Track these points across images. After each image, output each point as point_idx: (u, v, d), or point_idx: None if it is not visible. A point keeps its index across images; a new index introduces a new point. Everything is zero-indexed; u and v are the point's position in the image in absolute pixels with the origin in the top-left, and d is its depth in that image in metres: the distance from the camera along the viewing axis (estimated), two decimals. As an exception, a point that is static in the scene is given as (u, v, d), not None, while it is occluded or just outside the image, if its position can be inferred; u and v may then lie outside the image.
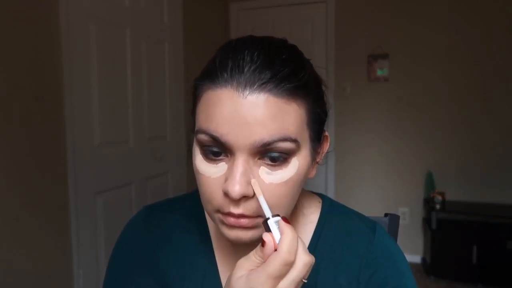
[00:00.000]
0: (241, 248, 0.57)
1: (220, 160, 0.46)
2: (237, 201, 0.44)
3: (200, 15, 2.84)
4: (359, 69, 3.06)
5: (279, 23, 3.24)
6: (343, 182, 3.18)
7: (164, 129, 2.44)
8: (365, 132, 3.10)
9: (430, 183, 2.88)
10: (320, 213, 0.60)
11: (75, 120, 1.72)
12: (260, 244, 0.41)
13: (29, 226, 1.55)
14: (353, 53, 3.07)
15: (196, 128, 0.47)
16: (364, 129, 3.10)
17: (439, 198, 2.70)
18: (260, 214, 0.45)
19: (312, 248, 0.57)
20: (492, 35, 2.79)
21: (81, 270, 1.78)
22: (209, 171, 0.46)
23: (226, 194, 0.44)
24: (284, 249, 0.39)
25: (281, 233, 0.40)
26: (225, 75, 0.44)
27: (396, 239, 0.73)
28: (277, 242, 0.40)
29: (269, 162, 0.45)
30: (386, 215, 0.77)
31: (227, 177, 0.44)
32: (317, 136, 0.50)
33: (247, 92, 0.43)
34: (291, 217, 0.56)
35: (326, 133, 0.54)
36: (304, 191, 0.60)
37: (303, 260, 0.40)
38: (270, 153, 0.44)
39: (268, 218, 0.42)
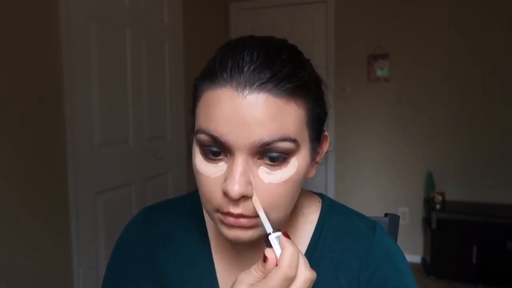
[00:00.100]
0: (239, 248, 0.57)
1: (220, 160, 0.46)
2: (236, 201, 0.44)
3: (200, 15, 2.84)
4: (359, 69, 3.06)
5: (279, 23, 3.24)
6: (343, 182, 3.18)
7: (164, 129, 2.44)
8: (365, 132, 3.10)
9: (430, 183, 2.88)
10: (320, 213, 0.60)
11: (75, 120, 1.72)
12: (261, 259, 0.41)
13: (29, 226, 1.55)
14: (353, 53, 3.06)
15: (196, 128, 0.47)
16: (364, 129, 3.10)
17: (439, 198, 2.70)
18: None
19: (312, 248, 0.57)
20: (492, 35, 2.79)
21: (81, 270, 1.78)
22: (208, 171, 0.46)
23: (225, 194, 0.44)
24: (285, 264, 0.39)
25: (282, 248, 0.40)
26: (225, 75, 0.44)
27: (396, 239, 0.73)
28: (278, 257, 0.40)
29: (269, 162, 0.45)
30: (386, 215, 0.77)
31: (226, 176, 0.44)
32: (316, 136, 0.50)
33: (247, 92, 0.43)
34: (291, 217, 0.56)
35: (326, 133, 0.54)
36: (304, 191, 0.60)
37: (304, 276, 0.40)
38: (269, 153, 0.44)
39: (269, 234, 0.42)
